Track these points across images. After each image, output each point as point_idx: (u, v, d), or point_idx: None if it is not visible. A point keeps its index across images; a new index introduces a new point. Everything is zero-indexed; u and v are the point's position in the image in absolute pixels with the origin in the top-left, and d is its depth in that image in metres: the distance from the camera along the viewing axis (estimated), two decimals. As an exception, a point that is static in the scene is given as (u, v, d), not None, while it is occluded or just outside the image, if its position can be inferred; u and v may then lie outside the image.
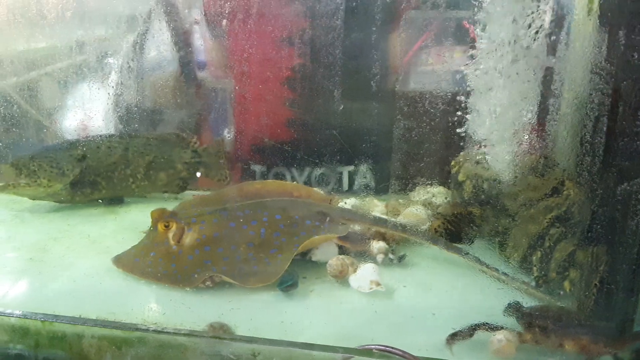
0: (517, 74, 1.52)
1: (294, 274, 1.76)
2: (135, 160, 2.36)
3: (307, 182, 2.40)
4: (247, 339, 1.35)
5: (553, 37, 1.56)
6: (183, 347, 1.37)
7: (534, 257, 1.70)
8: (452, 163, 2.08)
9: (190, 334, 1.37)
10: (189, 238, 1.84)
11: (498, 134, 1.66)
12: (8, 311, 1.45)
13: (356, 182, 2.37)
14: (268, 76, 2.33)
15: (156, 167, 2.40)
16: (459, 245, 1.91)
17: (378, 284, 1.72)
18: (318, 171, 2.38)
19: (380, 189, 2.30)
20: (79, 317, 1.43)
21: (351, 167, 2.37)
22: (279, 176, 2.42)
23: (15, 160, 2.21)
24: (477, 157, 1.93)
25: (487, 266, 1.76)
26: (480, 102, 1.68)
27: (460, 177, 2.02)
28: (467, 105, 1.81)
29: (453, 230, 1.99)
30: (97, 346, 1.41)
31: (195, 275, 1.74)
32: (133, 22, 2.38)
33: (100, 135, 2.39)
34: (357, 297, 1.72)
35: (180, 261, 1.81)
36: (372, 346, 1.36)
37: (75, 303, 1.58)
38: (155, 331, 1.37)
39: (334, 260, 1.80)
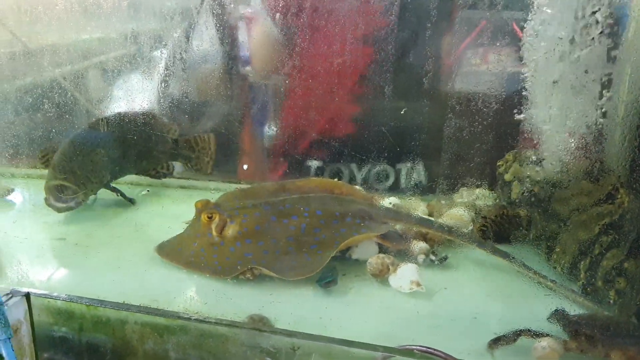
0: (574, 76, 1.48)
1: (333, 270, 1.76)
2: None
3: (354, 179, 2.38)
4: (287, 332, 1.35)
5: (612, 39, 1.51)
6: (224, 337, 1.37)
7: (582, 264, 1.65)
8: (499, 163, 2.04)
9: (232, 324, 1.38)
10: (231, 230, 1.85)
11: (552, 135, 1.62)
12: (55, 294, 1.47)
13: (400, 181, 2.34)
14: (334, 73, 2.31)
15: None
16: (503, 248, 1.87)
17: (419, 285, 1.70)
18: (365, 169, 2.37)
19: (424, 189, 2.26)
20: (123, 303, 1.45)
21: (397, 166, 2.35)
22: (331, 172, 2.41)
23: (64, 176, 2.12)
24: (528, 158, 1.89)
25: (533, 271, 1.73)
26: (534, 103, 1.64)
27: (508, 177, 1.98)
28: (520, 106, 1.78)
29: (497, 233, 1.96)
30: (140, 332, 1.43)
31: (236, 267, 1.75)
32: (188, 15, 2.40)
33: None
34: (397, 297, 1.70)
35: (222, 252, 1.82)
36: (413, 347, 1.35)
37: (118, 289, 1.61)
38: (197, 320, 1.38)
39: (375, 259, 1.79)
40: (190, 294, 1.62)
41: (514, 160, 2.01)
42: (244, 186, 2.34)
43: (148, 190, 2.41)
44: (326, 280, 1.72)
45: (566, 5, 1.45)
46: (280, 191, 2.13)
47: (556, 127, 1.60)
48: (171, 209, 2.27)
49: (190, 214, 2.01)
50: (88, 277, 1.73)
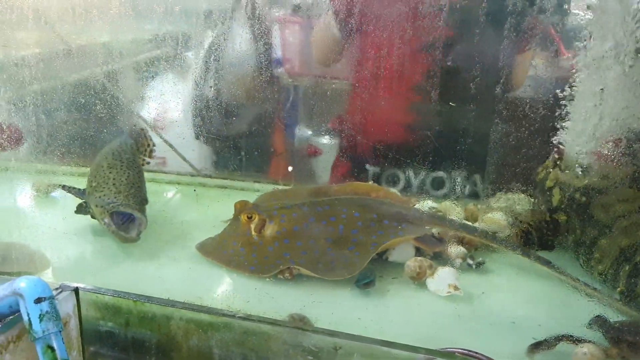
0: (622, 82, 1.47)
1: (371, 272, 1.77)
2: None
3: (397, 183, 2.39)
4: (329, 332, 1.37)
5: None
6: (267, 335, 1.40)
7: (623, 271, 1.64)
8: (539, 169, 2.04)
9: (275, 323, 1.40)
10: (269, 230, 1.88)
11: (595, 141, 1.61)
12: (103, 289, 1.52)
13: (440, 186, 2.35)
14: (392, 79, 2.33)
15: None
16: (541, 254, 1.87)
17: (457, 289, 1.71)
18: (409, 174, 2.38)
19: (462, 193, 2.27)
20: (169, 300, 1.48)
21: (439, 171, 2.36)
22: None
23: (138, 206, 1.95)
24: (569, 164, 1.89)
25: (571, 277, 1.72)
26: (578, 109, 1.64)
27: (549, 184, 1.98)
28: (564, 112, 1.77)
29: (535, 238, 1.95)
30: (185, 329, 1.46)
31: (275, 266, 1.78)
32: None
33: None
34: (435, 300, 1.71)
35: (261, 252, 1.85)
36: (455, 349, 1.36)
37: (163, 286, 1.65)
38: (241, 318, 1.41)
39: (412, 262, 1.80)
40: (233, 292, 1.65)
41: (554, 166, 2.00)
42: (282, 187, 2.37)
43: (195, 190, 2.45)
44: (364, 282, 1.74)
45: (616, 12, 1.45)
46: (318, 193, 2.15)
47: (602, 133, 1.59)
48: (210, 208, 2.30)
49: (228, 213, 2.05)
50: (133, 273, 1.78)
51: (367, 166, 2.46)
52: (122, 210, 1.85)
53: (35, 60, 2.01)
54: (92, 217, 2.00)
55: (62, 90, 2.30)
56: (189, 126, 2.64)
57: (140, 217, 1.86)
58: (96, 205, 1.88)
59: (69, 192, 2.06)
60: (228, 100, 2.59)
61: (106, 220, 1.84)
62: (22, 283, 1.36)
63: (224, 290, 1.66)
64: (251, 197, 2.15)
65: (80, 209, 2.05)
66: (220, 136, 2.65)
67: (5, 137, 1.96)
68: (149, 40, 2.42)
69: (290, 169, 2.44)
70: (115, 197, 1.86)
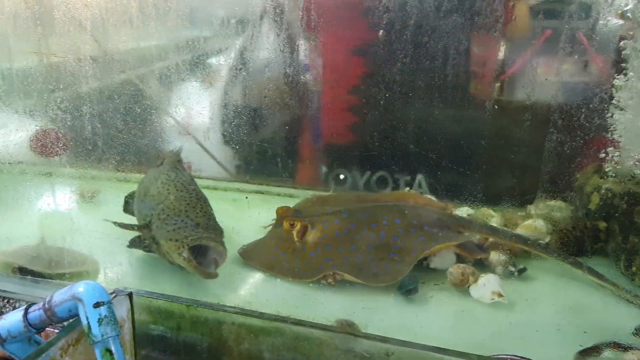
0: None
1: (414, 278, 1.79)
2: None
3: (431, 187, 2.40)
4: (381, 338, 1.38)
5: None
6: (319, 340, 1.41)
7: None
8: (578, 175, 2.04)
9: (327, 328, 1.42)
10: (311, 236, 1.91)
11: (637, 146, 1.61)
12: (156, 294, 1.54)
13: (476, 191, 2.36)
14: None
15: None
16: (581, 260, 1.88)
17: (500, 296, 1.72)
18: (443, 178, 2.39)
19: (497, 200, 2.27)
20: (221, 305, 1.51)
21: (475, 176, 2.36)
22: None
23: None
24: (609, 170, 1.89)
25: (613, 284, 1.73)
26: (614, 115, 1.64)
27: (588, 190, 1.98)
28: (601, 118, 1.78)
29: (575, 245, 1.96)
30: (236, 333, 1.48)
31: (317, 271, 1.80)
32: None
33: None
34: (479, 307, 1.72)
35: (303, 257, 1.87)
36: (507, 356, 1.37)
37: (210, 290, 1.68)
38: (292, 323, 1.43)
39: (455, 269, 1.81)
40: (282, 298, 1.68)
41: (594, 172, 2.00)
42: (321, 193, 2.39)
43: (247, 197, 2.47)
44: (407, 288, 1.76)
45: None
46: (358, 200, 2.17)
47: None
48: (248, 213, 2.33)
49: (267, 218, 2.08)
50: (180, 278, 1.80)
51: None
52: (203, 243, 1.70)
53: (73, 66, 2.04)
54: (150, 250, 1.89)
55: (99, 95, 2.33)
56: (217, 131, 2.67)
57: (222, 250, 1.72)
58: (170, 239, 1.72)
59: (125, 228, 1.90)
60: (259, 106, 2.61)
61: (185, 254, 1.68)
62: (80, 288, 1.40)
63: (272, 295, 1.68)
64: (285, 203, 2.16)
65: (135, 243, 1.91)
66: (249, 141, 2.67)
67: (61, 145, 1.99)
68: (177, 45, 2.44)
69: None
70: (194, 230, 1.72)
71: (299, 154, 2.74)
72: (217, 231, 1.74)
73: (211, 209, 1.85)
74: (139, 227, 1.85)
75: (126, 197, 2.12)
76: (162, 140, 2.62)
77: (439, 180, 2.34)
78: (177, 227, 1.73)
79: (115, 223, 1.88)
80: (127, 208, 2.11)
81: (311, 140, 2.73)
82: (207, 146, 2.69)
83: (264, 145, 2.64)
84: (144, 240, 1.87)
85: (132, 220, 1.98)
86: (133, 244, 1.91)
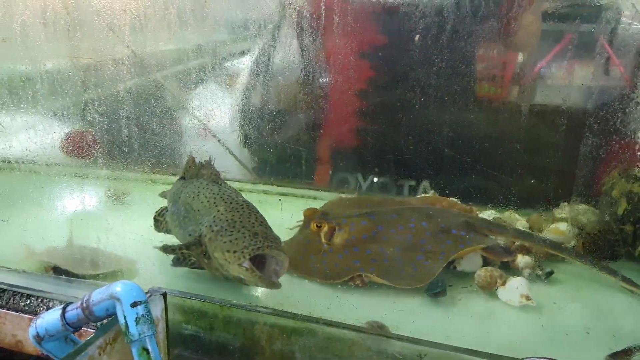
0: None
1: (442, 281, 1.80)
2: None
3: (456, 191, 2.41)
4: (413, 340, 1.40)
5: None
6: (351, 341, 1.43)
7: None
8: (606, 179, 2.04)
9: (359, 329, 1.44)
10: (339, 238, 1.92)
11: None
12: (190, 294, 1.57)
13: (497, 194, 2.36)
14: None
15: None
16: (608, 264, 1.88)
17: (528, 299, 1.73)
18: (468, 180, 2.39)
19: (522, 203, 2.28)
20: (254, 305, 1.53)
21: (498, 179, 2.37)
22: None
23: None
24: (635, 175, 1.89)
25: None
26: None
27: (615, 194, 1.98)
28: (626, 122, 1.78)
29: (602, 249, 1.96)
30: (269, 333, 1.51)
31: (344, 273, 1.82)
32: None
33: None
34: (508, 310, 1.73)
35: (331, 259, 1.89)
36: (539, 358, 1.37)
37: (240, 291, 1.70)
38: (325, 323, 1.45)
39: (483, 272, 1.82)
40: (313, 299, 1.69)
41: (620, 176, 2.00)
42: (347, 196, 2.41)
43: (280, 200, 2.50)
44: (435, 291, 1.77)
45: None
46: (384, 203, 2.19)
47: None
48: (274, 215, 2.34)
49: (292, 220, 2.10)
50: (212, 279, 1.82)
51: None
52: (266, 253, 1.61)
53: (110, 69, 2.07)
54: (197, 267, 1.81)
55: (126, 96, 2.35)
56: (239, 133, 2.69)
57: (284, 259, 1.62)
58: (227, 251, 1.62)
59: (174, 252, 1.80)
60: (279, 109, 2.63)
61: (246, 264, 1.59)
62: (118, 287, 1.42)
63: (304, 297, 1.70)
64: (309, 205, 2.17)
65: (180, 262, 1.81)
66: (268, 144, 2.69)
67: (98, 147, 2.03)
68: (195, 49, 2.45)
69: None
70: (253, 240, 1.61)
71: (323, 156, 2.76)
72: (276, 240, 1.65)
73: (264, 218, 1.76)
74: (188, 247, 1.75)
75: (155, 215, 2.06)
76: (182, 142, 2.65)
77: (468, 184, 2.34)
78: (234, 238, 1.63)
79: (163, 249, 1.80)
80: (159, 226, 2.05)
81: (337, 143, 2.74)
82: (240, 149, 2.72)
83: (293, 147, 2.67)
84: (190, 257, 1.79)
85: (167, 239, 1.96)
86: (177, 262, 1.81)
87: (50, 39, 1.91)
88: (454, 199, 2.27)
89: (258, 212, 1.76)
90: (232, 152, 2.63)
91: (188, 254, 1.78)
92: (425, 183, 2.39)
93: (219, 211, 1.73)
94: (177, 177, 2.06)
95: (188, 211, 1.83)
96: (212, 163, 2.00)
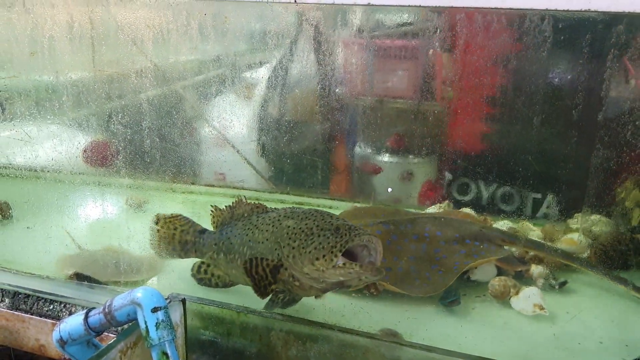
0: None
1: (456, 290, 1.82)
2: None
3: (480, 199, 2.42)
4: (427, 347, 1.42)
5: None
6: (364, 348, 1.46)
7: None
8: (618, 190, 2.05)
9: (373, 336, 1.46)
10: (354, 247, 1.95)
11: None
12: (208, 300, 1.61)
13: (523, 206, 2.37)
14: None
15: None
16: (622, 274, 1.89)
17: (542, 308, 1.74)
18: (491, 190, 2.40)
19: (538, 214, 2.29)
20: (270, 311, 1.57)
21: (521, 191, 2.37)
22: (463, 186, 2.45)
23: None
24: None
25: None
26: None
27: (629, 204, 1.99)
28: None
29: (615, 259, 1.97)
30: (284, 339, 1.54)
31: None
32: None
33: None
34: (521, 319, 1.75)
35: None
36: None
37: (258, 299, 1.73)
38: (340, 330, 1.48)
39: (497, 281, 1.84)
40: (328, 306, 1.72)
41: (634, 187, 2.01)
42: (362, 205, 2.44)
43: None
44: (449, 300, 1.79)
45: None
46: (398, 212, 2.21)
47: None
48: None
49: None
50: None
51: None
52: (356, 243, 1.46)
53: (134, 82, 2.12)
54: (291, 301, 1.65)
55: (146, 107, 2.39)
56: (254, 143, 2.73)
57: (376, 242, 1.47)
58: (317, 259, 1.46)
59: (273, 298, 1.65)
60: (296, 119, 2.66)
61: (340, 262, 1.44)
62: (139, 293, 1.47)
63: (318, 304, 1.72)
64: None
65: (271, 304, 1.64)
66: (286, 154, 2.72)
67: (118, 157, 2.08)
68: (213, 60, 2.49)
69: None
70: (337, 237, 1.47)
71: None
72: (361, 228, 1.49)
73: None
74: (274, 277, 1.59)
75: (195, 274, 1.89)
76: (201, 152, 2.69)
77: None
78: (317, 244, 1.48)
79: (268, 306, 1.64)
80: (211, 282, 1.88)
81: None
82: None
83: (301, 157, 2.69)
84: (279, 293, 1.65)
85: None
86: (269, 305, 1.64)
87: (76, 52, 1.97)
88: (468, 210, 2.29)
89: (329, 213, 1.62)
90: (248, 161, 2.67)
91: (277, 289, 1.63)
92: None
93: (289, 227, 1.60)
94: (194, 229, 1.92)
95: (253, 248, 1.67)
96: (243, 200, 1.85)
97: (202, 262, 1.88)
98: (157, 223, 1.89)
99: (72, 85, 2.02)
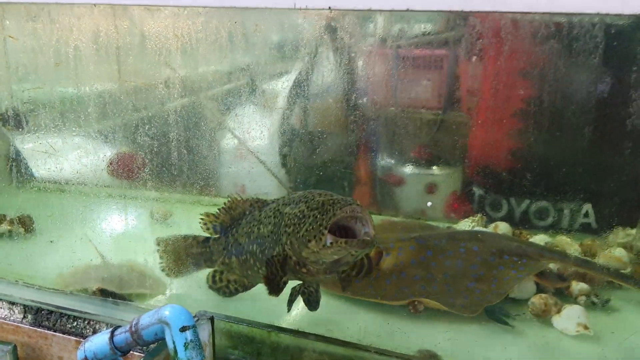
0: None
1: (500, 308, 1.74)
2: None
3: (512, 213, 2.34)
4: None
5: None
6: (402, 370, 1.40)
7: None
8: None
9: (411, 358, 1.39)
10: (386, 263, 1.88)
11: None
12: (237, 319, 1.55)
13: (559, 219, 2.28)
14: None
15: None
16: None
17: (586, 328, 1.66)
18: (524, 204, 2.32)
19: (576, 227, 2.20)
20: (302, 332, 1.50)
21: (558, 204, 2.29)
22: (495, 203, 2.38)
23: None
24: None
25: None
26: None
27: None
28: None
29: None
30: (318, 361, 1.48)
31: (392, 299, 1.77)
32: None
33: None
34: (564, 340, 1.66)
35: (378, 284, 1.85)
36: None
37: (291, 316, 1.67)
38: (376, 352, 1.41)
39: (538, 299, 1.76)
40: (363, 326, 1.66)
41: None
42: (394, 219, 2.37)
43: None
44: (501, 320, 1.72)
45: None
46: (431, 227, 2.14)
47: None
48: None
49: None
50: (259, 302, 1.79)
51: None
52: (339, 216, 1.36)
53: (162, 93, 2.07)
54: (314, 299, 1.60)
55: (171, 118, 2.35)
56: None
57: (361, 210, 1.37)
58: (309, 241, 1.40)
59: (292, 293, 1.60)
60: (316, 130, 2.61)
61: (329, 240, 1.35)
62: (167, 311, 1.41)
63: (353, 323, 1.66)
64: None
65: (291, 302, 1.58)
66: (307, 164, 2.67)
67: (148, 170, 2.04)
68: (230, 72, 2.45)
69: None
70: (323, 215, 1.38)
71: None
72: (345, 199, 1.40)
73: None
74: (282, 268, 1.52)
75: (211, 285, 1.81)
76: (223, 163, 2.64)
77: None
78: (308, 225, 1.41)
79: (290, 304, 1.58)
80: (227, 290, 1.79)
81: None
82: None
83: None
84: (300, 289, 1.60)
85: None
86: (290, 302, 1.58)
87: (102, 63, 1.94)
88: (503, 225, 2.21)
89: (322, 191, 1.52)
90: (270, 170, 2.61)
91: (300, 288, 1.59)
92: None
93: (287, 213, 1.52)
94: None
95: (261, 244, 1.62)
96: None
97: (215, 271, 1.81)
98: (158, 245, 1.87)
99: (98, 96, 1.99)
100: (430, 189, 2.51)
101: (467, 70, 2.31)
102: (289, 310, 1.56)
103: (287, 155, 2.68)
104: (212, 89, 2.34)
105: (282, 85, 2.53)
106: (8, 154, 2.30)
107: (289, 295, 1.56)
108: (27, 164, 2.31)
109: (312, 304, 1.59)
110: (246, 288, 1.76)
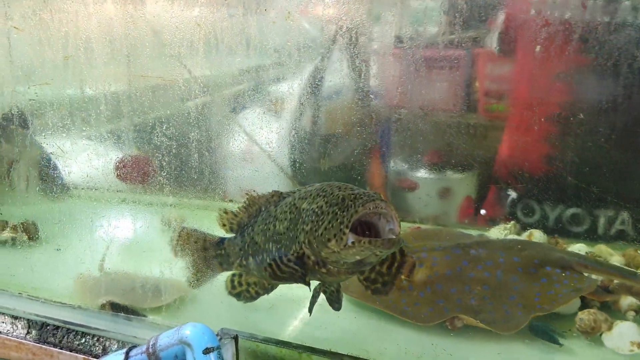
0: None
1: (545, 325, 1.61)
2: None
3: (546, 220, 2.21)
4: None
5: None
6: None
7: None
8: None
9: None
10: (420, 273, 1.75)
11: None
12: (263, 338, 1.42)
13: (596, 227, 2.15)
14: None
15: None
16: None
17: (641, 346, 1.52)
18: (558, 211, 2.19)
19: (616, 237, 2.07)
20: (337, 353, 1.36)
21: (595, 211, 2.16)
22: (528, 208, 2.25)
23: None
24: None
25: None
26: None
27: None
28: None
29: None
30: (353, 384, 1.34)
31: (428, 314, 1.64)
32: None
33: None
34: (616, 359, 1.53)
35: (411, 296, 1.71)
36: None
37: (323, 334, 1.53)
38: (421, 377, 1.27)
39: (586, 315, 1.62)
40: (402, 346, 1.52)
41: None
42: (425, 227, 2.23)
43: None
44: (541, 336, 1.58)
45: None
46: (462, 236, 2.01)
47: None
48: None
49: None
50: (283, 316, 1.67)
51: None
52: (362, 213, 1.25)
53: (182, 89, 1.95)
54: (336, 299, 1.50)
55: (180, 118, 2.23)
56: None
57: (385, 206, 1.25)
58: (329, 240, 1.29)
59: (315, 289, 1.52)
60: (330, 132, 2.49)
61: (351, 240, 1.25)
62: (187, 331, 1.29)
63: (392, 344, 1.52)
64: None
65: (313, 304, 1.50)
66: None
67: (165, 174, 1.90)
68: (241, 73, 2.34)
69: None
70: (345, 211, 1.28)
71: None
72: (368, 194, 1.28)
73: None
74: (302, 267, 1.41)
75: (231, 291, 1.66)
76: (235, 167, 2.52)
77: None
78: (327, 223, 1.31)
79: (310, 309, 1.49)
80: (248, 294, 1.66)
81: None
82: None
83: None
84: (320, 290, 1.50)
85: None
86: (312, 302, 1.50)
87: (113, 61, 1.81)
88: (537, 232, 2.07)
89: (341, 184, 1.42)
90: (285, 170, 2.49)
91: (321, 289, 1.49)
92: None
93: (304, 209, 1.41)
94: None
95: (278, 241, 1.50)
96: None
97: (233, 275, 1.67)
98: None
99: (111, 95, 1.85)
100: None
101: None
102: (310, 313, 1.45)
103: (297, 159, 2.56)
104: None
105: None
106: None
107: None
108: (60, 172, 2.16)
109: (334, 303, 1.48)
110: (267, 291, 1.62)
